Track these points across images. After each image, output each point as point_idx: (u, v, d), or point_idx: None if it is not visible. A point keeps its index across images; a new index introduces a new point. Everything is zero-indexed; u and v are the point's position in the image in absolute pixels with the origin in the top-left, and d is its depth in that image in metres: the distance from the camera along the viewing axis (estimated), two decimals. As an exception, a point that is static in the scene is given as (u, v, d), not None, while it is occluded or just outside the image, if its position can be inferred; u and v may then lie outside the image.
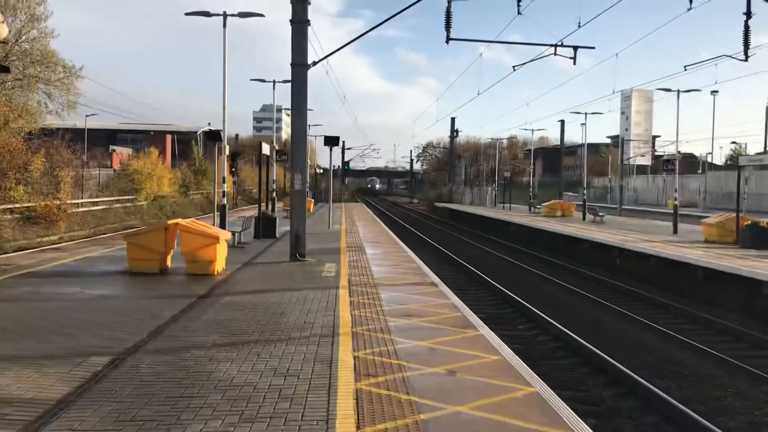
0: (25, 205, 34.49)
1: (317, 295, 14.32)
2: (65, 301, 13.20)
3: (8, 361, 8.66)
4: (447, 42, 21.64)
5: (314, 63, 20.50)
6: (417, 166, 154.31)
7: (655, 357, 14.29)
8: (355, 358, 9.21)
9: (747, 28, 19.12)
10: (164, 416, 6.79)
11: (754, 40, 19.04)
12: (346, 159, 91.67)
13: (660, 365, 13.64)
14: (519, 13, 20.78)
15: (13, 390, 7.56)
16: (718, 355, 13.88)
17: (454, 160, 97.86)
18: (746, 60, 19.39)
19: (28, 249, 24.54)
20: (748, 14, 18.68)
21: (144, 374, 8.26)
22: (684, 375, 12.93)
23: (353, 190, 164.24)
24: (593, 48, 24.44)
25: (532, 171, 75.45)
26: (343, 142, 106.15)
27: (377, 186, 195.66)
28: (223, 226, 24.97)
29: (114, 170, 57.34)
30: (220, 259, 17.59)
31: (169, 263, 17.80)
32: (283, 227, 29.96)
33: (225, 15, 25.88)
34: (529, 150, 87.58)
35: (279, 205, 46.53)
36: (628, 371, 12.28)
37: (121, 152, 73.39)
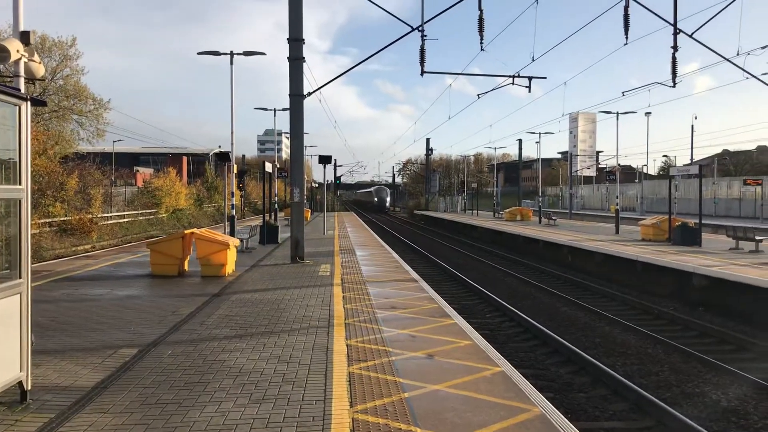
0: (62, 218, 34.19)
1: (315, 291, 14.25)
2: (97, 301, 13.06)
3: (47, 354, 8.55)
4: (422, 74, 21.68)
5: (309, 93, 20.46)
6: (398, 180, 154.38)
7: (603, 339, 14.31)
8: (347, 345, 9.16)
9: (674, 59, 19.28)
10: (184, 399, 6.72)
11: (680, 69, 19.20)
12: (337, 174, 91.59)
13: (607, 346, 13.66)
14: (482, 49, 20.80)
15: (52, 379, 7.46)
16: (656, 336, 13.92)
17: (429, 174, 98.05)
18: (674, 86, 19.54)
19: (64, 257, 24.29)
20: (675, 47, 18.83)
21: (166, 363, 8.17)
22: (628, 354, 12.94)
23: (346, 201, 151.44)
24: (545, 78, 24.43)
25: (495, 182, 75.85)
26: (335, 160, 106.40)
27: (386, 199, 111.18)
28: (232, 233, 24.85)
29: (138, 187, 56.97)
30: (231, 262, 17.48)
31: (186, 267, 17.67)
32: (284, 234, 29.83)
33: (232, 54, 25.85)
34: (493, 165, 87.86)
35: (281, 215, 46.33)
36: (580, 351, 12.28)
37: (144, 172, 72.91)
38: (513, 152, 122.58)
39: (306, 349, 8.89)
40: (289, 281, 16.05)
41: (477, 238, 43.74)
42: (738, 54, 18.20)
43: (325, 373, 7.72)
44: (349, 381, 7.39)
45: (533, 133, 48.78)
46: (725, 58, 18.24)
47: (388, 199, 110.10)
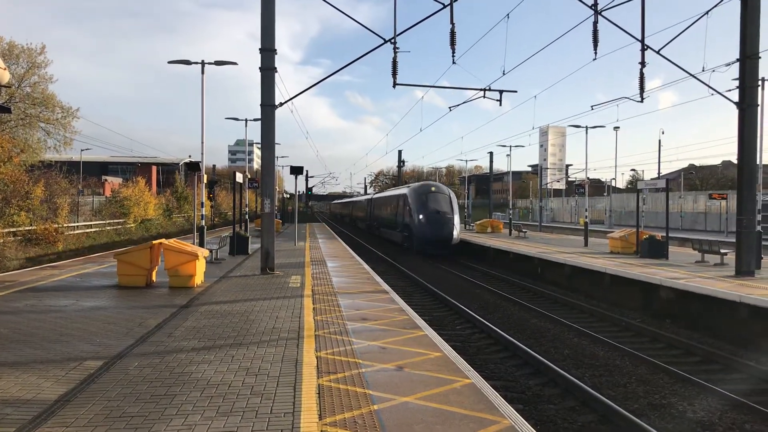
0: (27, 228, 33.55)
1: (285, 303, 14.15)
2: (62, 312, 12.80)
3: (9, 367, 8.34)
4: (394, 86, 21.71)
5: (280, 104, 20.39)
6: (371, 191, 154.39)
7: (572, 350, 14.41)
8: (317, 357, 9.09)
9: (642, 75, 19.61)
10: (150, 412, 6.60)
11: (647, 84, 19.55)
12: (309, 185, 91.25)
13: (576, 357, 13.76)
14: (453, 62, 20.94)
15: (13, 392, 7.28)
16: (624, 348, 14.07)
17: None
18: (642, 101, 19.87)
19: (28, 267, 23.79)
20: (643, 63, 19.16)
21: (132, 376, 8.03)
22: (596, 365, 13.05)
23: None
24: (516, 92, 24.68)
25: (467, 194, 76.24)
26: (307, 171, 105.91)
27: (452, 223, 37.81)
28: (201, 244, 24.61)
29: (106, 197, 56.20)
30: (199, 273, 17.29)
31: (154, 278, 17.43)
32: (254, 245, 29.62)
33: (203, 63, 25.68)
34: (464, 177, 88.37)
35: (252, 225, 46.01)
36: (549, 363, 12.36)
37: (113, 181, 71.95)
38: (484, 164, 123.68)
39: (275, 362, 8.80)
40: (259, 292, 15.91)
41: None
42: (703, 70, 18.63)
43: (294, 385, 7.65)
44: (319, 393, 7.33)
45: (504, 146, 49.06)
46: (691, 74, 18.62)
47: (456, 222, 38.51)
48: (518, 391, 11.13)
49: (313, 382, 7.80)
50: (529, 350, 13.42)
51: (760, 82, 19.23)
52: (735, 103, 18.13)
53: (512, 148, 50.69)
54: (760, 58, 17.50)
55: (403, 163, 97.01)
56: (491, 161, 63.18)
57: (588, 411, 10.02)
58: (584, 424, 9.47)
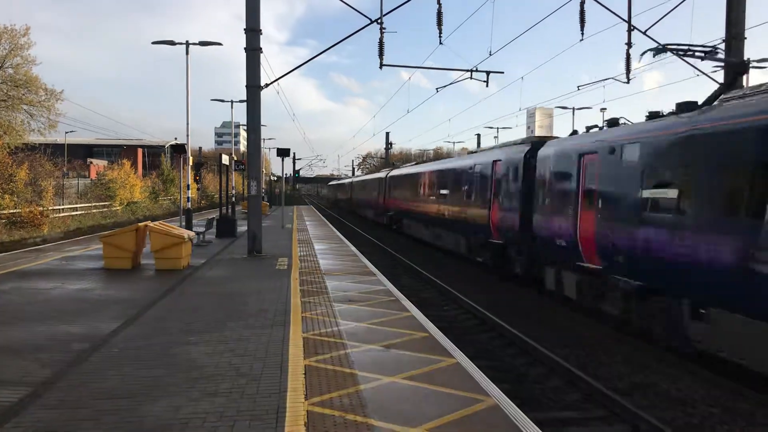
0: (11, 211, 33.30)
1: (272, 285, 14.16)
2: (47, 295, 12.74)
3: (-6, 350, 8.33)
4: (381, 67, 21.60)
5: (266, 85, 20.28)
6: (358, 173, 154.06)
7: (559, 331, 14.49)
8: (304, 338, 9.13)
9: (628, 56, 19.59)
10: (136, 393, 6.62)
11: (633, 65, 19.56)
12: (296, 168, 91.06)
13: (564, 338, 13.84)
14: (441, 43, 20.85)
15: (1, 375, 7.27)
16: (608, 329, 14.16)
17: (388, 167, 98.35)
18: (628, 82, 19.87)
19: (13, 250, 23.64)
20: (629, 44, 19.13)
21: (117, 358, 8.03)
22: (582, 345, 13.16)
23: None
24: (502, 73, 24.63)
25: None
26: (294, 153, 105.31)
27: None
28: (188, 227, 24.55)
29: (91, 180, 55.82)
30: (186, 255, 17.26)
31: (140, 260, 17.39)
32: (241, 227, 29.55)
33: (187, 44, 25.48)
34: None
35: (238, 208, 45.88)
36: (535, 344, 12.45)
37: (98, 164, 71.41)
38: (472, 146, 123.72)
39: (262, 343, 8.83)
40: (246, 275, 15.91)
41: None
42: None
43: (280, 366, 7.68)
44: (305, 374, 7.37)
45: (491, 127, 49.20)
46: (677, 55, 18.64)
47: None
48: (504, 370, 11.20)
49: (299, 362, 7.84)
50: (514, 330, 13.49)
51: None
52: (720, 83, 18.16)
53: (499, 129, 50.77)
54: (745, 39, 17.52)
55: (391, 145, 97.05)
56: (479, 143, 63.37)
57: (573, 390, 10.12)
58: (570, 403, 9.57)
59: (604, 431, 8.41)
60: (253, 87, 19.81)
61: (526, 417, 6.17)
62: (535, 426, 5.93)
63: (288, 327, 9.84)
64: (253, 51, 19.71)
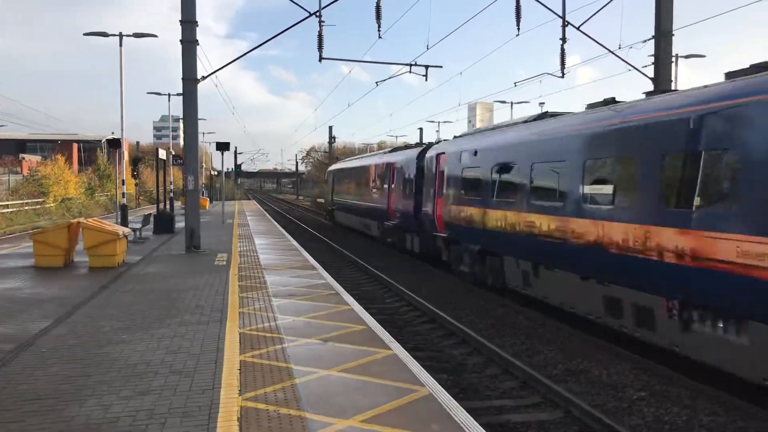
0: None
1: (209, 281, 13.99)
2: (-28, 295, 12.28)
3: None
4: (320, 60, 21.54)
5: (203, 78, 19.95)
6: (302, 168, 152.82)
7: (496, 320, 14.75)
8: (240, 334, 9.06)
9: (563, 50, 20.07)
10: (63, 393, 6.47)
11: (568, 60, 20.03)
12: (238, 162, 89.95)
13: (499, 327, 14.10)
14: (380, 37, 20.93)
15: None
16: (545, 317, 14.48)
17: (332, 162, 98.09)
18: (563, 77, 20.36)
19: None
20: (564, 39, 19.60)
21: (45, 357, 7.82)
22: (517, 334, 13.42)
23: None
24: (441, 67, 24.85)
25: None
26: (235, 147, 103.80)
27: None
28: (124, 223, 24.00)
29: (23, 176, 53.92)
30: (121, 252, 16.88)
31: (73, 258, 16.93)
32: (180, 223, 29.03)
33: (121, 35, 24.83)
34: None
35: (177, 203, 45.06)
36: (473, 333, 12.64)
37: (31, 160, 68.99)
38: (415, 141, 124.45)
39: (197, 340, 8.73)
40: (183, 271, 15.67)
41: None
42: (620, 47, 19.17)
43: (215, 362, 7.61)
44: (240, 369, 7.33)
45: (433, 121, 49.57)
46: (609, 50, 19.18)
47: None
48: (443, 361, 11.35)
49: (235, 358, 7.78)
50: (454, 321, 13.68)
51: (673, 59, 19.95)
52: (651, 78, 18.80)
53: (441, 123, 51.22)
54: (673, 35, 18.16)
55: (334, 139, 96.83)
56: (421, 137, 63.85)
57: (509, 378, 10.33)
58: (506, 391, 9.77)
59: (538, 418, 8.61)
60: (190, 80, 19.49)
61: (458, 405, 6.28)
62: (466, 413, 6.04)
63: (224, 323, 9.75)
64: (189, 43, 19.39)
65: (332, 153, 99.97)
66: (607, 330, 12.19)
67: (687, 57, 29.34)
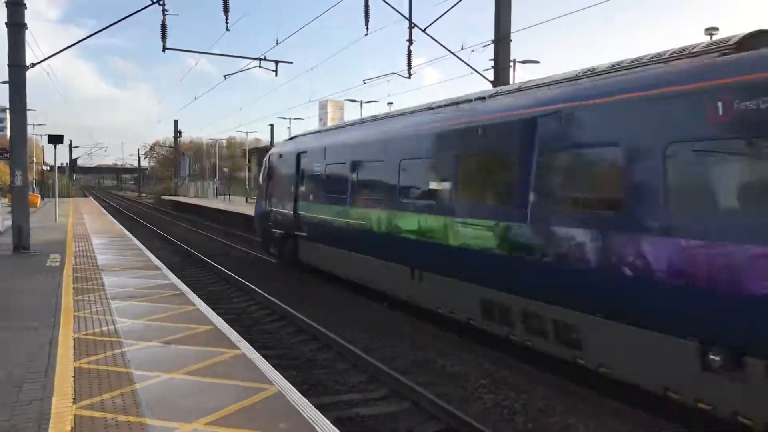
0: None
1: (41, 283, 13.03)
2: None
3: None
4: (164, 51, 20.72)
5: (33, 65, 18.51)
6: (145, 163, 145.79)
7: (340, 316, 14.87)
8: (75, 339, 8.52)
9: (410, 51, 20.69)
10: None
11: (415, 61, 20.68)
12: (73, 157, 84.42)
13: (347, 322, 14.24)
14: (227, 29, 20.45)
15: None
16: (389, 310, 14.82)
17: (178, 158, 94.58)
18: (410, 77, 20.98)
19: None
20: (410, 41, 20.19)
21: None
22: (371, 329, 13.62)
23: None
24: (291, 63, 24.80)
25: (248, 167, 75.41)
26: (70, 141, 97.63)
27: None
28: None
29: None
30: (-65, 254, 15.28)
31: None
32: (7, 222, 26.78)
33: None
34: (246, 150, 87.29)
35: (4, 200, 41.47)
36: (324, 329, 12.69)
37: None
38: (265, 137, 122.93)
39: (25, 347, 8.10)
40: (10, 273, 14.48)
41: (227, 223, 43.04)
42: (462, 49, 20.04)
43: (46, 370, 7.10)
44: (75, 376, 6.89)
45: (284, 118, 49.28)
46: (452, 53, 19.98)
47: None
48: (292, 358, 11.31)
49: (68, 365, 7.30)
50: (305, 318, 13.67)
51: (511, 64, 21.13)
52: (491, 81, 19.79)
53: (292, 120, 51.04)
54: (511, 41, 19.23)
55: (180, 134, 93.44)
56: (272, 133, 63.41)
57: (359, 372, 10.48)
58: (355, 385, 9.90)
59: (386, 410, 8.81)
60: (17, 66, 18.01)
61: (307, 401, 6.28)
62: (314, 408, 6.06)
63: (57, 328, 9.12)
64: (15, 26, 17.91)
65: (178, 148, 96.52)
66: (454, 323, 12.69)
67: (524, 62, 31.28)
